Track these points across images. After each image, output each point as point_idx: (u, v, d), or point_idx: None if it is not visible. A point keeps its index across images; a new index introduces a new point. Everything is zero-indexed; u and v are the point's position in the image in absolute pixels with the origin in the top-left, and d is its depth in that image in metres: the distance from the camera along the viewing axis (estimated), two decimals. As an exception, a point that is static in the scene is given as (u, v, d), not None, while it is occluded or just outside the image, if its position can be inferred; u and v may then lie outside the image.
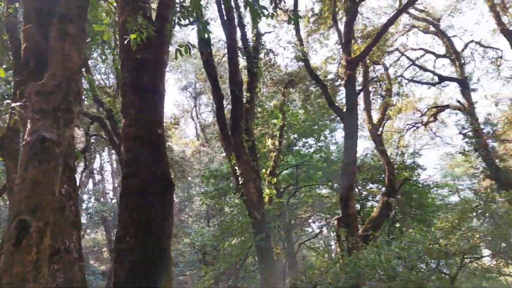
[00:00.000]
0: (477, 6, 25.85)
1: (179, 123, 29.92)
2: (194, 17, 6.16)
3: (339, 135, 27.01)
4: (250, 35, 16.55)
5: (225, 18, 14.50)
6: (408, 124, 24.34)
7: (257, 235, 13.01)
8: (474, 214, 10.56)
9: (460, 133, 20.89)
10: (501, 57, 22.60)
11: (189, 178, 33.99)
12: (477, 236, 8.48)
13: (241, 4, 15.87)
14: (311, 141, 24.48)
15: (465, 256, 8.61)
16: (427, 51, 23.50)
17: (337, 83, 22.30)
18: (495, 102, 20.91)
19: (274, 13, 5.97)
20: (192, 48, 6.44)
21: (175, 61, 30.68)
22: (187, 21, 6.62)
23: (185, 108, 44.18)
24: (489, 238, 8.34)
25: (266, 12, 5.95)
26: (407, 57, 22.77)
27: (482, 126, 20.02)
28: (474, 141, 19.71)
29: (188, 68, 38.58)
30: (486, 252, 9.39)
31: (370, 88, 21.23)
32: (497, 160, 19.47)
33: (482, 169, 20.92)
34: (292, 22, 6.36)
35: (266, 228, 13.27)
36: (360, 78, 19.86)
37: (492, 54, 22.78)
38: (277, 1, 5.89)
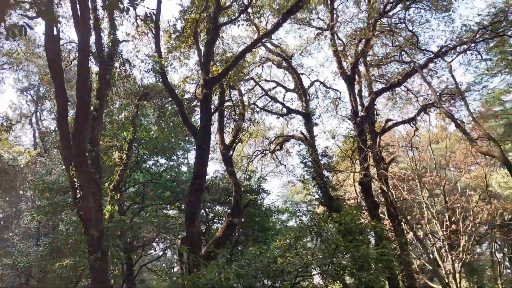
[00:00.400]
0: (324, 50, 28.85)
1: (13, 127, 26.36)
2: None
3: (192, 156, 26.95)
4: (106, 39, 15.60)
5: (79, 17, 13.36)
6: (257, 151, 25.55)
7: (92, 255, 11.87)
8: (309, 236, 11.31)
9: (301, 162, 22.62)
10: (339, 98, 25.49)
11: (20, 191, 30.11)
12: (310, 254, 9.05)
13: (99, 7, 14.95)
14: (162, 159, 23.92)
15: (298, 274, 9.06)
16: (278, 84, 25.25)
17: (193, 104, 22.33)
18: (332, 136, 23.30)
19: (130, 7, 5.58)
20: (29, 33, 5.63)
21: (15, 58, 27.28)
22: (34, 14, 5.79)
23: (23, 113, 39.37)
24: (320, 257, 8.96)
25: (121, 6, 5.56)
26: (261, 87, 24.09)
27: (320, 158, 21.97)
28: (313, 171, 21.50)
29: (31, 69, 34.65)
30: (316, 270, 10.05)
31: (225, 112, 21.77)
32: (330, 189, 21.47)
33: (317, 196, 22.84)
34: (149, 21, 6.02)
35: (103, 248, 12.21)
36: (216, 101, 20.24)
37: (332, 94, 25.59)
38: (134, -3, 5.54)
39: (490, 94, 27.80)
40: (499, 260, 29.76)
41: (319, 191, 21.72)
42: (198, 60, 17.53)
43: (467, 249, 22.18)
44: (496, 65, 22.32)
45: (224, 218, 21.47)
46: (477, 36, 19.26)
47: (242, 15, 17.97)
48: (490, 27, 18.94)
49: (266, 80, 25.28)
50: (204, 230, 21.13)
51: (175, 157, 24.96)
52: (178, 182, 22.35)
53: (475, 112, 25.23)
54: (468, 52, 20.39)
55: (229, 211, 18.41)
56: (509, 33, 19.40)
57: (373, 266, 9.56)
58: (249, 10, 18.36)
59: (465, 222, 22.92)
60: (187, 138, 24.67)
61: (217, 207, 23.98)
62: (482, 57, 20.68)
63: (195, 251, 12.47)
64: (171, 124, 22.28)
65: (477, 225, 24.76)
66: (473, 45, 19.88)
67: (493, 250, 30.52)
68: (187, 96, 22.32)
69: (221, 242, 14.72)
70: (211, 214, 23.81)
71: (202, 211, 21.50)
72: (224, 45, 21.75)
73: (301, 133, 23.07)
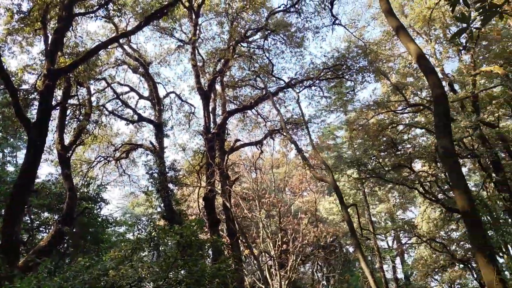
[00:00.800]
0: (183, 63, 28.77)
1: None
2: None
3: (22, 155, 23.83)
4: None
5: None
6: (100, 156, 23.89)
7: None
8: (147, 249, 10.80)
9: (147, 173, 21.80)
10: (193, 113, 25.56)
11: None
12: (146, 267, 8.57)
13: None
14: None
15: (131, 288, 8.47)
16: (132, 89, 24.21)
17: (31, 96, 19.85)
18: (183, 149, 23.09)
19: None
20: None
21: None
22: None
23: None
24: (157, 270, 8.54)
25: None
26: (113, 90, 22.76)
27: (167, 170, 21.51)
28: (158, 183, 20.89)
29: None
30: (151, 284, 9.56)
31: (68, 110, 19.85)
32: (174, 203, 21.11)
33: (160, 209, 22.24)
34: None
35: None
36: (59, 96, 18.34)
37: (187, 108, 25.54)
38: None
39: (326, 128, 31.12)
40: (319, 279, 32.89)
41: (162, 205, 21.18)
42: (44, 48, 15.70)
43: (294, 268, 23.97)
44: (333, 103, 25.09)
45: (52, 227, 19.27)
46: (322, 74, 21.44)
47: (101, 10, 16.79)
48: (332, 68, 21.27)
49: (119, 83, 24.04)
50: (26, 239, 18.64)
51: (0, 154, 21.77)
52: (1, 183, 19.45)
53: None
54: (313, 87, 22.54)
55: (59, 218, 16.62)
56: (346, 77, 22.05)
57: (209, 281, 9.51)
58: (110, 6, 17.28)
59: (294, 243, 24.81)
60: (18, 134, 21.80)
61: (46, 213, 21.45)
62: (323, 94, 23.08)
63: (11, 261, 10.79)
64: (0, 115, 19.44)
65: (304, 246, 27.06)
66: (317, 81, 22.05)
67: (314, 269, 33.62)
68: (25, 87, 19.77)
69: (45, 251, 13.06)
70: (37, 222, 21.19)
71: (27, 217, 19.02)
72: (76, 39, 20.02)
73: (151, 143, 22.38)
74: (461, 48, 21.51)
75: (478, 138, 20.50)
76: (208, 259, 16.06)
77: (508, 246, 20.86)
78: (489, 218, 20.18)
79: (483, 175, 23.25)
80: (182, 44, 23.84)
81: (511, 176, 21.63)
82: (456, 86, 22.67)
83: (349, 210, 16.36)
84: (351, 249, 36.38)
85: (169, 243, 10.64)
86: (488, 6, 4.17)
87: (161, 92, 24.32)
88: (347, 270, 31.68)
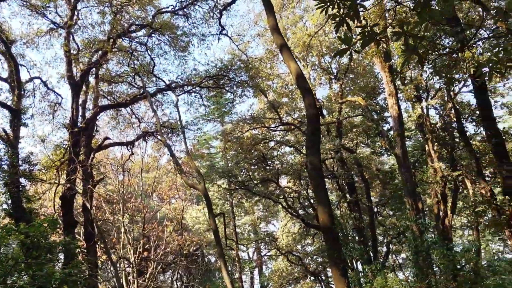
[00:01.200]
0: (55, 48, 26.33)
1: None
2: None
3: None
4: None
5: None
6: None
7: None
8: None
9: (-4, 164, 19.21)
10: (60, 104, 23.33)
11: None
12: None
13: None
14: None
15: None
16: (-12, 68, 21.22)
17: None
18: (42, 140, 20.85)
19: None
20: None
21: None
22: None
23: None
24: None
25: None
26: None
27: (20, 163, 19.19)
28: (7, 176, 18.55)
29: None
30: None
31: None
32: (24, 200, 18.88)
33: (6, 206, 19.70)
34: None
35: None
36: None
37: (53, 98, 23.20)
38: None
39: (202, 137, 31.14)
40: (178, 287, 32.44)
41: (10, 201, 18.80)
42: None
43: (153, 276, 23.22)
44: (212, 112, 25.27)
45: None
46: (203, 82, 21.43)
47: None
48: (214, 78, 21.42)
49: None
50: None
51: None
52: None
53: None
54: (193, 93, 22.38)
55: None
56: (227, 88, 22.40)
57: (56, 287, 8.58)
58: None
59: (157, 250, 24.08)
60: None
61: None
62: (203, 101, 23.06)
63: None
64: None
65: (167, 254, 26.45)
66: (198, 88, 21.97)
67: (175, 278, 33.06)
68: None
69: None
70: None
71: None
72: None
73: (4, 130, 19.79)
74: (332, 77, 23.50)
75: (338, 160, 22.45)
76: (59, 263, 14.65)
77: (354, 261, 23.04)
78: (340, 235, 22.09)
79: (339, 195, 25.48)
80: (55, 27, 21.67)
81: (361, 197, 24.11)
82: (325, 111, 24.59)
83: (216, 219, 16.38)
84: (213, 259, 36.66)
85: (12, 244, 9.39)
86: (368, 33, 4.52)
87: (24, 76, 21.75)
88: (207, 279, 31.76)
